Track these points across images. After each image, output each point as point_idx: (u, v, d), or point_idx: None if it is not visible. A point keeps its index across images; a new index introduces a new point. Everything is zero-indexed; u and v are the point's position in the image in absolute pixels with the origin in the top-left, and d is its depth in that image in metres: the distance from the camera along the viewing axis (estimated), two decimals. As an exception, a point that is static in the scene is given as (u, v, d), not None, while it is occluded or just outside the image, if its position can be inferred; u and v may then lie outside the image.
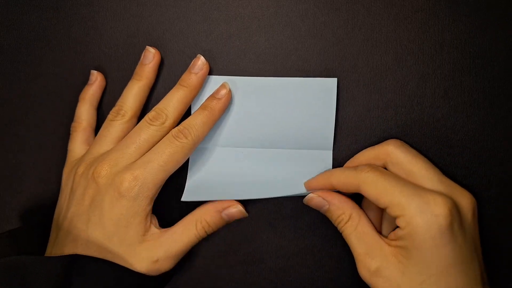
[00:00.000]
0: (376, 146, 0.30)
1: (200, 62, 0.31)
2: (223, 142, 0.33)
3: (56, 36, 0.34)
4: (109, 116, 0.32)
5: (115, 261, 0.28)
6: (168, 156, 0.29)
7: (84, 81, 0.34)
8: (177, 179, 0.34)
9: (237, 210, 0.31)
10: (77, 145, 0.33)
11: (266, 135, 0.32)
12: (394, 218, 0.27)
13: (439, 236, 0.25)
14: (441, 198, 0.26)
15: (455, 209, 0.26)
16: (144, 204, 0.28)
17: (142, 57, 0.32)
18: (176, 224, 0.31)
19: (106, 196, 0.28)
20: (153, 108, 0.31)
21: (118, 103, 0.32)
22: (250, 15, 0.33)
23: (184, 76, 0.31)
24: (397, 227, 0.27)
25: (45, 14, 0.34)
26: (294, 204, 0.34)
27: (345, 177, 0.28)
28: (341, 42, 0.32)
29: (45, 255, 0.30)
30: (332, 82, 0.31)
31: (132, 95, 0.32)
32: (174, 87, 0.31)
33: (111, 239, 0.28)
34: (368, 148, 0.31)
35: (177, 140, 0.29)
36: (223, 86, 0.31)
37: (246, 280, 0.34)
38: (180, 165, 0.30)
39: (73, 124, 0.33)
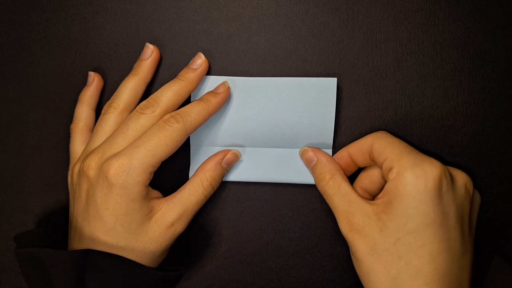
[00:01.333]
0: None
1: (200, 59, 0.32)
2: (223, 142, 0.33)
3: (56, 36, 0.34)
4: (102, 111, 0.31)
5: (126, 251, 0.28)
6: (157, 140, 0.28)
7: (84, 81, 0.34)
8: (179, 180, 0.34)
9: (232, 154, 0.32)
10: (77, 146, 0.33)
11: (267, 135, 0.32)
12: (385, 176, 0.28)
13: (424, 192, 0.25)
14: (437, 161, 0.26)
15: (448, 175, 0.26)
16: (136, 190, 0.28)
17: (141, 53, 0.33)
18: (181, 189, 0.31)
19: (97, 188, 0.28)
20: (147, 99, 0.30)
21: (112, 97, 0.32)
22: (250, 15, 0.33)
23: (182, 71, 0.31)
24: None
25: (45, 14, 0.34)
26: (294, 204, 0.34)
27: (360, 140, 0.30)
28: (341, 42, 0.32)
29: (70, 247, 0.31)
30: (332, 81, 0.31)
31: (127, 88, 0.31)
32: (171, 80, 0.31)
33: (114, 229, 0.28)
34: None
35: (167, 124, 0.29)
36: (222, 83, 0.32)
37: (246, 280, 0.34)
38: (170, 152, 0.29)
39: (72, 125, 0.33)
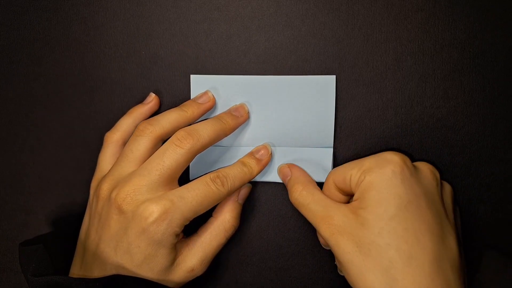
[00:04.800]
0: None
1: (243, 110, 0.32)
2: (223, 141, 0.33)
3: (56, 36, 0.34)
4: (136, 131, 0.30)
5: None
6: (202, 198, 0.28)
7: (84, 81, 0.34)
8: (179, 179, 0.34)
9: (245, 188, 0.32)
10: (106, 158, 0.32)
11: (267, 133, 0.32)
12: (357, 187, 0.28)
13: (393, 176, 0.26)
14: (395, 152, 0.27)
15: (409, 161, 0.27)
16: (170, 239, 0.28)
17: (197, 96, 0.32)
18: (202, 231, 0.31)
19: (132, 225, 0.27)
20: (183, 128, 0.29)
21: (151, 119, 0.30)
22: (250, 15, 0.33)
23: (224, 114, 0.31)
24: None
25: (45, 14, 0.34)
26: (294, 204, 0.34)
27: (344, 167, 0.29)
28: (341, 42, 0.32)
29: (72, 272, 0.30)
30: (331, 79, 0.31)
31: (171, 118, 0.30)
32: (212, 118, 0.31)
33: (141, 266, 0.28)
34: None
35: (214, 184, 0.28)
36: (264, 147, 0.32)
37: (246, 280, 0.34)
38: (206, 210, 0.29)
39: (108, 133, 0.32)
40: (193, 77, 0.33)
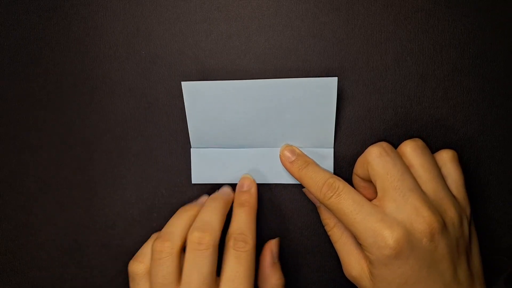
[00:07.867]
0: (364, 153, 0.30)
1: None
2: (224, 144, 0.33)
3: (56, 36, 0.34)
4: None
5: None
6: (246, 270, 0.28)
7: (84, 81, 0.34)
8: (181, 183, 0.34)
9: (275, 243, 0.33)
10: None
11: (268, 136, 0.32)
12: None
13: (389, 262, 0.27)
14: (389, 231, 0.26)
15: (403, 238, 0.26)
16: None
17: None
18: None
19: None
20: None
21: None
22: (250, 15, 0.33)
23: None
24: None
25: (45, 14, 0.34)
26: (294, 205, 0.34)
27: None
28: (341, 42, 0.32)
29: None
30: (333, 81, 0.31)
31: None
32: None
33: None
34: (360, 157, 0.31)
35: (241, 251, 0.29)
36: (245, 178, 0.33)
37: (246, 280, 0.34)
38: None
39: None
40: (184, 84, 0.31)
